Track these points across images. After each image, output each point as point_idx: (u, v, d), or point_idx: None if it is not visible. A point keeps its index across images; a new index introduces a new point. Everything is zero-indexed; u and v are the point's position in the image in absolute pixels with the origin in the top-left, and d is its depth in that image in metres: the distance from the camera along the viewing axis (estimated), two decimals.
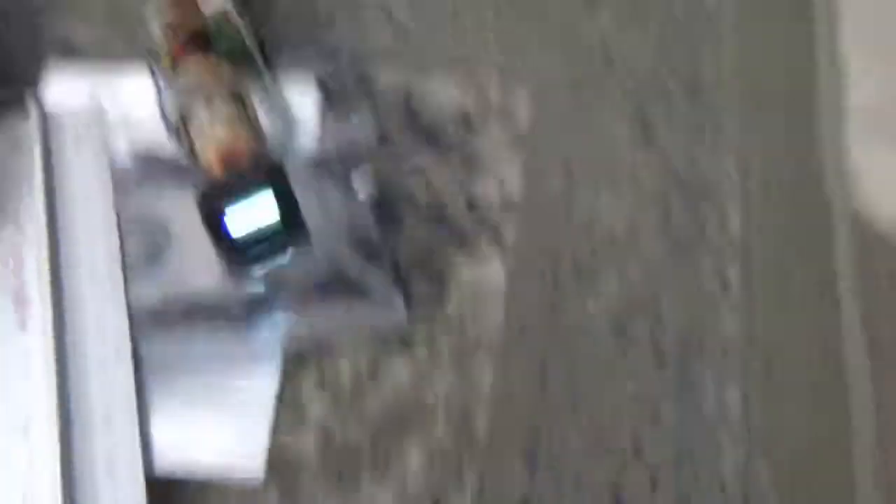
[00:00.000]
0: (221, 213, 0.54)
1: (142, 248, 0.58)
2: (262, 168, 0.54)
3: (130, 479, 0.49)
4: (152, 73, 0.61)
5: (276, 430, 0.54)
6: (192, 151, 0.58)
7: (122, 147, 0.62)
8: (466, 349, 0.56)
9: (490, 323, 0.57)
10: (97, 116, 0.64)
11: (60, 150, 0.62)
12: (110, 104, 0.64)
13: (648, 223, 0.60)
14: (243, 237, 0.56)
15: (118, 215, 0.59)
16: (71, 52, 0.67)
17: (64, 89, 0.65)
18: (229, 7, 0.61)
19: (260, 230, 0.56)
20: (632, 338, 0.57)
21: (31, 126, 0.62)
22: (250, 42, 0.62)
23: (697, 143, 0.64)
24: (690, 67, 0.67)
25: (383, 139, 0.65)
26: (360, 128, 0.63)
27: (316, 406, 0.54)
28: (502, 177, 0.63)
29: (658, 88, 0.66)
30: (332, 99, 0.66)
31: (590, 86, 0.67)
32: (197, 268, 0.57)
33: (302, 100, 0.66)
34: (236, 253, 0.57)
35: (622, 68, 0.67)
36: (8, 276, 0.56)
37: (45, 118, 0.63)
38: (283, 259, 0.57)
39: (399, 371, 0.55)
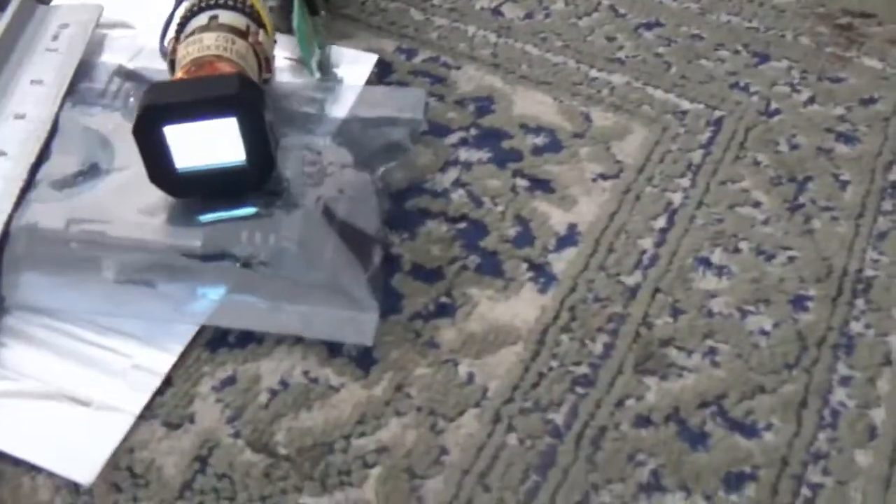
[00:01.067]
0: (160, 130, 0.40)
1: (75, 162, 0.45)
2: (230, 86, 0.40)
3: None
4: None
5: (139, 429, 0.38)
6: (172, 65, 0.46)
7: (113, 61, 0.51)
8: (445, 409, 0.39)
9: (495, 380, 0.39)
10: (91, 12, 0.53)
11: (31, 40, 0.51)
12: (133, 21, 0.54)
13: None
14: (189, 169, 0.42)
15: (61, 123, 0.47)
16: None
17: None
18: None
19: (214, 167, 0.42)
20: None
21: (5, 14, 0.52)
22: None
23: None
24: None
25: (432, 130, 0.50)
26: (410, 110, 0.49)
27: (207, 412, 0.38)
28: (574, 210, 0.47)
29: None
30: (390, 83, 0.52)
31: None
32: (131, 203, 0.43)
33: (354, 67, 0.52)
34: (177, 188, 0.43)
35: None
36: None
37: (29, 7, 0.53)
38: (243, 213, 0.43)
39: (337, 403, 0.39)
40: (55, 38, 0.52)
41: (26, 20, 0.53)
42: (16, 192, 0.44)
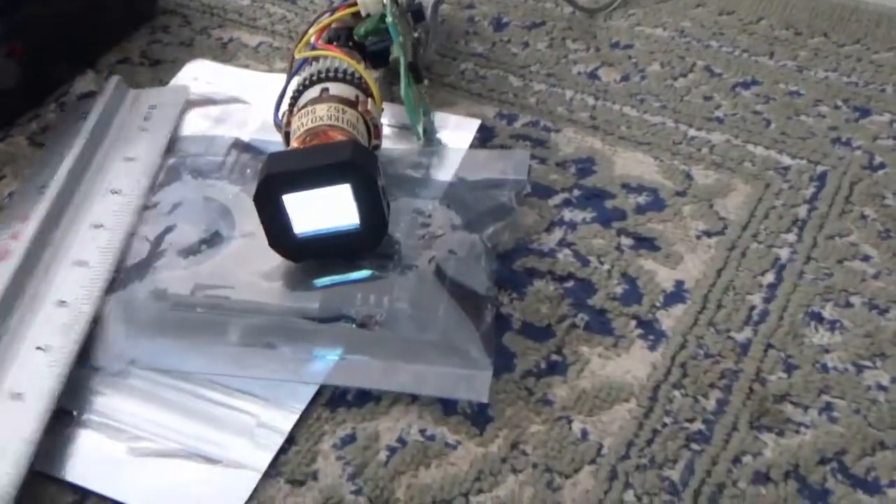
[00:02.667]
0: (280, 198, 0.42)
1: (198, 231, 0.47)
2: (344, 153, 0.42)
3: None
4: (290, 61, 0.52)
5: (265, 486, 0.39)
6: (287, 137, 0.48)
7: (230, 135, 0.53)
8: (561, 466, 0.39)
9: (609, 437, 0.39)
10: (179, 93, 0.56)
11: (123, 121, 0.54)
12: (247, 97, 0.56)
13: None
14: (306, 235, 0.44)
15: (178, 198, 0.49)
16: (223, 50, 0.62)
17: (203, 78, 0.58)
18: (388, 12, 0.51)
19: (330, 231, 0.44)
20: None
21: (101, 99, 0.55)
22: (399, 49, 0.51)
23: None
24: None
25: (536, 192, 0.51)
26: (514, 172, 0.50)
27: (329, 469, 0.39)
28: (680, 267, 0.47)
29: None
30: (493, 145, 0.54)
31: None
32: (251, 268, 0.45)
33: (457, 132, 0.54)
34: (295, 253, 0.44)
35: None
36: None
37: (121, 92, 0.56)
38: (358, 276, 0.44)
39: (455, 460, 0.39)
40: (146, 118, 0.55)
41: (119, 103, 0.56)
42: (111, 260, 0.46)
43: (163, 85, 0.58)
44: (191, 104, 0.56)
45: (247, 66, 0.60)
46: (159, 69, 0.60)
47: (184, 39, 0.63)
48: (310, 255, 0.44)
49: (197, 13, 0.66)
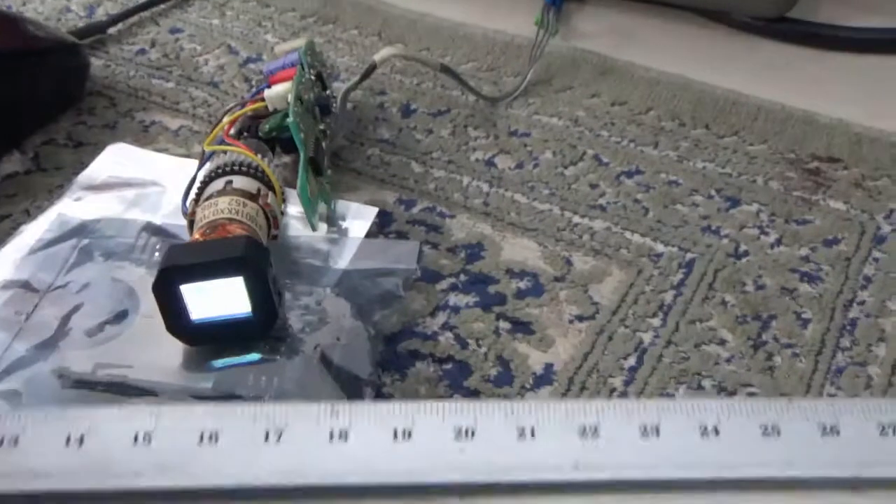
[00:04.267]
0: (177, 289, 0.46)
1: (104, 311, 0.50)
2: (237, 249, 0.46)
3: None
4: (201, 153, 0.56)
5: None
6: (191, 225, 0.52)
7: (143, 218, 0.57)
8: None
9: None
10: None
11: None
12: (163, 181, 0.60)
13: None
14: (202, 321, 0.47)
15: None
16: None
17: (122, 161, 0.62)
18: (290, 112, 0.55)
19: (224, 319, 0.47)
20: None
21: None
22: (300, 146, 0.55)
23: None
24: None
25: (425, 276, 0.55)
26: (405, 261, 0.54)
27: None
28: (551, 350, 0.51)
29: None
30: (389, 232, 0.58)
31: None
32: (151, 350, 0.48)
33: (357, 220, 0.58)
34: (191, 338, 0.48)
35: None
36: None
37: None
38: (248, 359, 0.48)
39: None
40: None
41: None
42: None
43: (83, 167, 0.62)
44: (109, 186, 0.60)
45: (166, 150, 0.64)
46: (82, 151, 0.64)
47: (108, 122, 0.67)
48: (205, 340, 0.48)
49: (123, 95, 0.70)
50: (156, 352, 0.48)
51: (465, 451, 0.45)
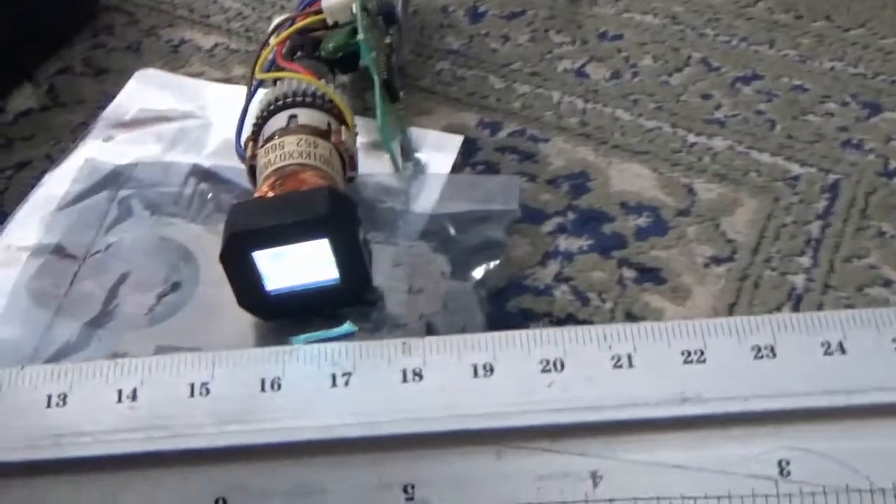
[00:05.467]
0: (249, 257, 0.38)
1: (157, 279, 0.43)
2: (320, 206, 0.38)
3: None
4: (249, 81, 0.47)
5: None
6: (252, 171, 0.43)
7: (187, 160, 0.48)
8: None
9: None
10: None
11: None
12: (204, 113, 0.52)
13: None
14: (280, 292, 0.40)
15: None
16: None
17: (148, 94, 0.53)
18: (359, 27, 0.46)
19: (306, 287, 0.40)
20: None
21: None
22: (373, 66, 0.46)
23: None
24: None
25: (527, 216, 0.47)
26: (504, 201, 0.46)
27: None
28: (689, 303, 0.43)
29: None
30: (476, 163, 0.50)
31: None
32: (220, 325, 0.41)
33: (438, 152, 0.50)
34: (268, 312, 0.40)
35: None
36: None
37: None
38: (341, 331, 0.40)
39: None
40: None
41: None
42: None
43: (108, 99, 0.53)
44: (141, 122, 0.52)
45: (201, 74, 0.55)
46: (104, 80, 0.55)
47: (130, 43, 0.58)
48: (284, 313, 0.40)
49: (143, 9, 0.60)
50: (225, 328, 0.41)
51: (555, 385, 0.39)
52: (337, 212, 0.38)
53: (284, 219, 0.38)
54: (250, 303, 0.40)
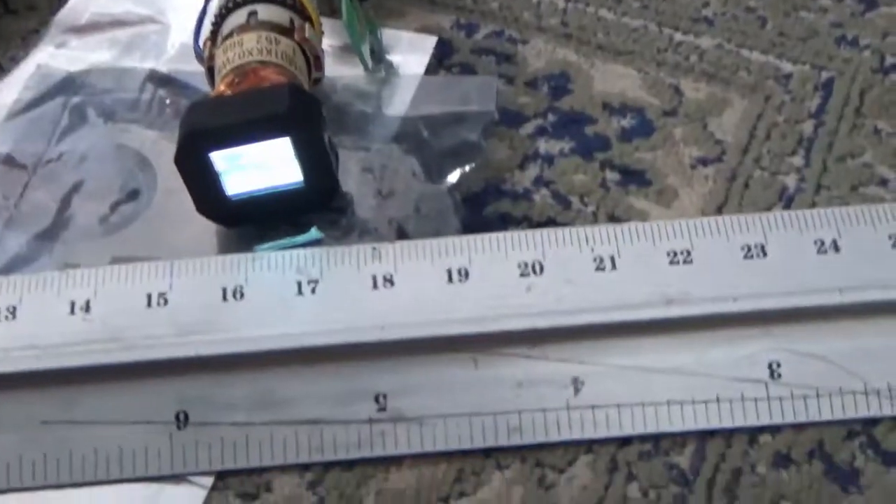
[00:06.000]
0: (206, 158, 0.36)
1: (113, 188, 0.41)
2: (280, 102, 0.36)
3: None
4: None
5: None
6: (210, 73, 0.41)
7: (144, 65, 0.46)
8: (552, 459, 0.34)
9: None
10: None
11: None
12: (162, 16, 0.49)
13: None
14: (241, 196, 0.38)
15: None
16: None
17: None
18: None
19: (269, 191, 0.38)
20: None
21: None
22: None
23: None
24: None
25: (505, 119, 0.45)
26: (480, 102, 0.44)
27: (285, 478, 0.34)
28: (675, 205, 0.42)
29: None
30: (452, 66, 0.47)
31: None
32: (179, 234, 0.39)
33: (411, 54, 0.47)
34: (229, 218, 0.38)
35: None
36: None
37: None
38: (306, 238, 0.38)
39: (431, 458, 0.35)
40: None
41: None
42: None
43: (61, 3, 0.50)
44: (96, 27, 0.49)
45: None
46: None
47: None
48: (246, 220, 0.38)
49: None
50: (185, 238, 0.39)
51: (534, 289, 0.37)
52: (299, 108, 0.35)
53: (243, 116, 0.35)
54: (210, 209, 0.38)
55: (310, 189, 0.37)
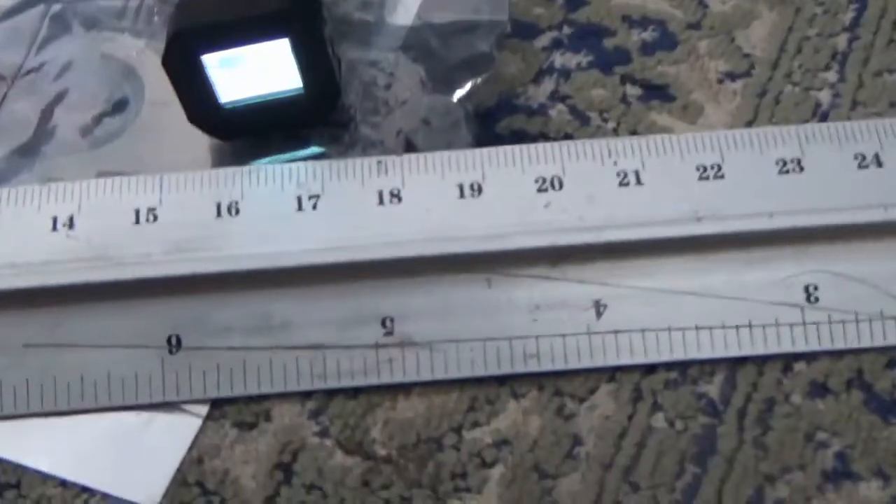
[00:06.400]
0: (197, 60, 0.33)
1: (97, 100, 0.38)
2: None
3: None
4: None
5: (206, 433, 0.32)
6: None
7: None
8: (571, 387, 0.32)
9: None
10: None
11: None
12: None
13: None
14: (235, 104, 0.35)
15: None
16: None
17: None
18: None
19: (265, 98, 0.35)
20: None
21: None
22: None
23: None
24: None
25: (518, 31, 0.42)
26: (491, 11, 0.41)
27: (284, 407, 0.32)
28: (701, 121, 0.39)
29: None
30: None
31: None
32: (169, 147, 0.36)
33: None
34: (223, 129, 0.36)
35: None
36: None
37: None
38: (306, 153, 0.36)
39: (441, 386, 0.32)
40: None
41: None
42: None
43: None
44: None
45: None
46: None
47: None
48: (241, 131, 0.35)
49: None
50: (176, 151, 0.36)
51: (552, 206, 0.35)
52: (299, 7, 0.33)
53: (237, 14, 0.32)
54: (202, 119, 0.35)
55: (310, 97, 0.35)
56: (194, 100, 0.34)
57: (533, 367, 0.32)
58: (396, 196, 0.33)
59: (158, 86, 0.37)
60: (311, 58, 0.34)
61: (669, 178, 0.33)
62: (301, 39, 0.33)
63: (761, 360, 0.32)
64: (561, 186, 0.34)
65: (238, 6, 0.33)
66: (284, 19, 0.32)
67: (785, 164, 0.34)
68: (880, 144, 0.34)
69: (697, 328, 0.32)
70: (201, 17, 0.32)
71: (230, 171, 0.34)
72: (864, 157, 0.33)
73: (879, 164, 0.33)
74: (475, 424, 0.32)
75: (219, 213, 0.33)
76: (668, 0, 0.43)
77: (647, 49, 0.41)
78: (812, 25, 0.42)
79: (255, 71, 0.34)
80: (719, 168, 0.33)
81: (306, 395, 0.32)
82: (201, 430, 0.32)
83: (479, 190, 0.33)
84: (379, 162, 0.34)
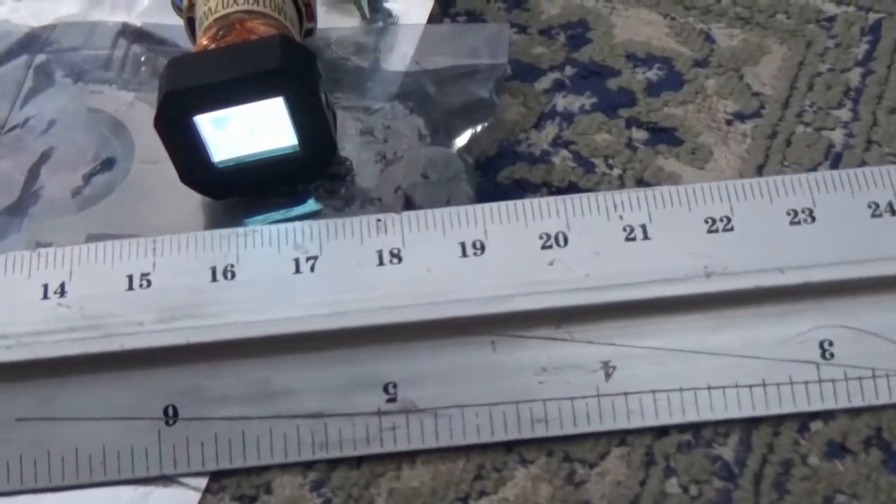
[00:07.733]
0: (190, 122, 0.34)
1: (85, 157, 0.39)
2: (272, 57, 0.34)
3: None
4: None
5: None
6: (191, 25, 0.39)
7: (115, 18, 0.44)
8: (581, 453, 0.33)
9: None
10: None
11: None
12: None
13: None
14: (229, 163, 0.36)
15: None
16: None
17: None
18: None
19: (260, 157, 0.36)
20: None
21: None
22: None
23: None
24: None
25: (518, 73, 0.43)
26: (491, 54, 0.42)
27: (285, 478, 0.33)
28: (710, 166, 0.40)
29: None
30: (457, 14, 0.46)
31: None
32: (161, 208, 0.37)
33: (410, 3, 0.45)
34: (216, 189, 0.37)
35: None
36: None
37: None
38: (303, 210, 0.37)
39: (446, 453, 0.33)
40: None
41: None
42: None
43: None
44: None
45: None
46: None
47: None
48: (235, 190, 0.37)
49: None
50: (168, 211, 0.37)
51: (557, 263, 0.36)
52: (292, 64, 0.34)
53: (230, 74, 0.33)
54: (195, 179, 0.36)
55: (305, 154, 0.36)
56: (187, 160, 0.35)
57: (541, 431, 0.33)
58: (396, 256, 0.35)
59: (148, 142, 0.38)
60: (307, 115, 0.35)
61: (677, 232, 0.35)
62: (296, 97, 0.34)
63: (777, 420, 0.33)
64: (566, 242, 0.35)
65: (231, 65, 0.34)
66: (278, 78, 0.34)
67: (796, 214, 0.35)
68: (894, 192, 0.35)
69: (710, 388, 0.33)
70: (193, 78, 0.34)
71: (225, 232, 0.35)
72: (877, 206, 0.35)
73: (893, 213, 0.34)
74: (482, 493, 0.33)
75: (214, 278, 0.35)
76: (673, 36, 0.45)
77: (652, 89, 0.43)
78: (824, 60, 0.43)
79: (249, 129, 0.35)
80: (728, 220, 0.35)
81: (308, 465, 0.33)
82: None
83: (482, 248, 0.35)
84: (378, 220, 0.35)
